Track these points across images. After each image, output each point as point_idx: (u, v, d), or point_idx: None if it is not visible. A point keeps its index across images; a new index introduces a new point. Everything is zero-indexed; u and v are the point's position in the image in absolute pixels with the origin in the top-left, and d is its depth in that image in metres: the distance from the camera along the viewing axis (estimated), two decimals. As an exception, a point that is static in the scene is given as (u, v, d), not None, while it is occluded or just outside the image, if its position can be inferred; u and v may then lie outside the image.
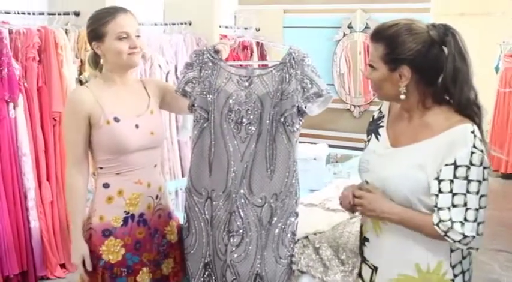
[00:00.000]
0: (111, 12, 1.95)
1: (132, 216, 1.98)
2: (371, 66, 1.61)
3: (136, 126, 1.96)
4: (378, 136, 1.70)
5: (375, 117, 1.77)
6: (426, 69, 1.56)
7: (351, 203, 1.67)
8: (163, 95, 2.14)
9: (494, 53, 6.47)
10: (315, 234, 2.05)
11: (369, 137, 1.74)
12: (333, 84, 5.92)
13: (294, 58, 1.94)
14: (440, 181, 1.50)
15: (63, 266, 3.68)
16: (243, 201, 1.97)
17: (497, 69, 6.44)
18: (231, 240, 1.97)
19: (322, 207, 2.33)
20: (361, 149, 1.85)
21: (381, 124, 1.72)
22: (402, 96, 1.58)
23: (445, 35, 1.54)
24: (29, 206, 3.46)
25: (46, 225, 3.55)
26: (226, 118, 1.98)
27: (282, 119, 1.93)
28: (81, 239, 1.96)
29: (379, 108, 1.78)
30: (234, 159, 1.97)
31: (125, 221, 1.97)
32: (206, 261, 2.06)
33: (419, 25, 1.56)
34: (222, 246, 2.00)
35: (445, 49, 1.54)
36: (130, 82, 2.06)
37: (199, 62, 2.02)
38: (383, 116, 1.73)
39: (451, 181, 1.48)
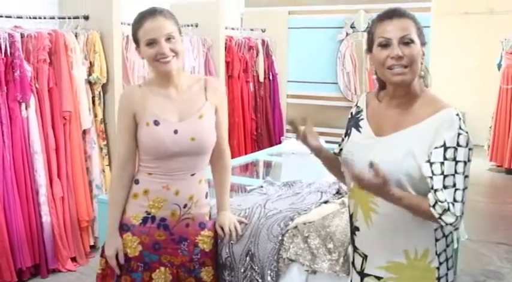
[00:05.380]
0: (140, 19, 1.92)
1: (153, 218, 1.98)
2: (409, 41, 1.59)
3: (175, 131, 1.93)
4: (360, 128, 1.74)
5: (354, 112, 1.81)
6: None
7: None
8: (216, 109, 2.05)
9: (496, 50, 6.48)
10: (304, 223, 2.12)
11: (349, 132, 1.79)
12: (337, 83, 6.01)
13: None
14: (431, 164, 1.53)
15: (74, 259, 3.79)
16: None
17: (499, 66, 6.46)
18: None
19: (316, 200, 2.39)
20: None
21: (361, 117, 1.76)
22: (422, 73, 1.63)
23: None
24: (41, 201, 3.58)
25: (57, 219, 3.66)
26: None
27: None
28: (117, 233, 1.98)
29: (356, 104, 1.82)
30: None
31: (144, 220, 1.98)
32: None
33: None
34: None
35: None
36: (183, 82, 2.00)
37: None
38: (361, 110, 1.77)
39: (442, 163, 1.52)
